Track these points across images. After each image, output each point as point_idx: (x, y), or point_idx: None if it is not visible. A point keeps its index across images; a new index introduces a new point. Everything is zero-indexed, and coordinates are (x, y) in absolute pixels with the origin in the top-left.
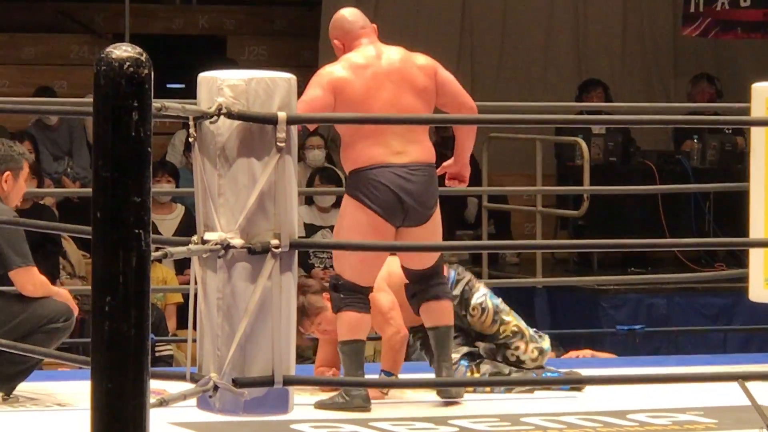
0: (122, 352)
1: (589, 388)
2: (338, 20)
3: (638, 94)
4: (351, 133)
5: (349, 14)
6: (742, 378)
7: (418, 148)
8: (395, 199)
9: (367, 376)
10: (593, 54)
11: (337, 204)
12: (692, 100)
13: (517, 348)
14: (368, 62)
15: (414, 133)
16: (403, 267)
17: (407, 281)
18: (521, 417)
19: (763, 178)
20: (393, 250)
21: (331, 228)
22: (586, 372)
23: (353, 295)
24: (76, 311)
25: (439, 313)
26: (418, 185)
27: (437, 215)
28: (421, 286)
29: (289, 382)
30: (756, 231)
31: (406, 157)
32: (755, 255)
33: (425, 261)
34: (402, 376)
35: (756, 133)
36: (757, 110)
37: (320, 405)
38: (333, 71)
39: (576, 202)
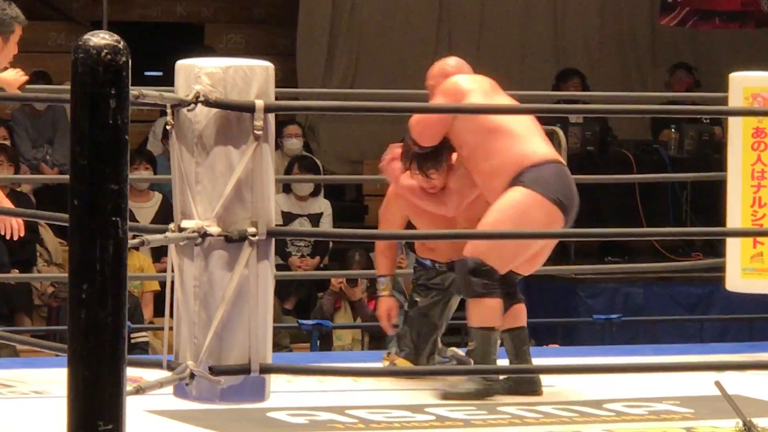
0: (99, 339)
1: (565, 378)
2: (440, 66)
3: (615, 84)
4: (506, 131)
5: (453, 61)
6: (718, 368)
7: None
8: (574, 197)
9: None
10: (570, 43)
11: (315, 192)
12: (670, 90)
13: None
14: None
15: None
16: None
17: None
18: (498, 406)
19: (740, 167)
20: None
21: (309, 216)
22: (561, 361)
23: (495, 282)
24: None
25: (521, 315)
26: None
27: None
28: (511, 289)
29: (265, 370)
30: (733, 220)
31: (558, 155)
32: (732, 244)
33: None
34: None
35: (733, 123)
36: (734, 100)
37: (453, 395)
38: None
39: None
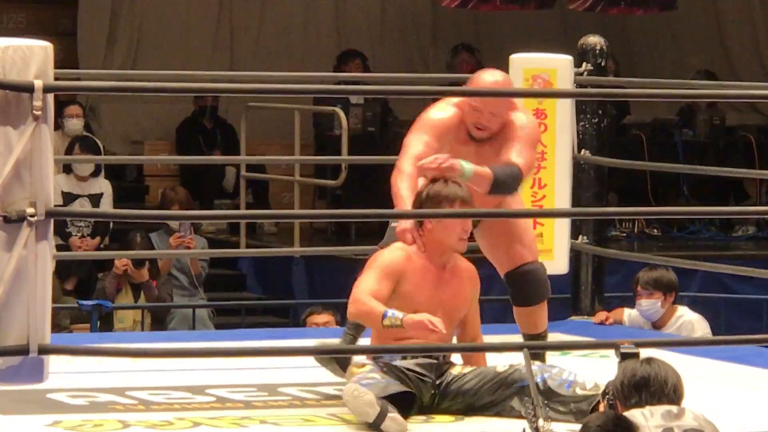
0: None
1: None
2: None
3: (397, 65)
4: None
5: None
6: (499, 349)
7: None
8: None
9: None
10: (352, 25)
11: (95, 173)
12: (453, 71)
13: None
14: None
15: None
16: None
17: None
18: (279, 387)
19: None
20: None
21: (89, 196)
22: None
23: None
24: None
25: None
26: None
27: None
28: None
29: (44, 350)
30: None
31: None
32: None
33: None
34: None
35: None
36: (514, 81)
37: None
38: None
39: (334, 171)
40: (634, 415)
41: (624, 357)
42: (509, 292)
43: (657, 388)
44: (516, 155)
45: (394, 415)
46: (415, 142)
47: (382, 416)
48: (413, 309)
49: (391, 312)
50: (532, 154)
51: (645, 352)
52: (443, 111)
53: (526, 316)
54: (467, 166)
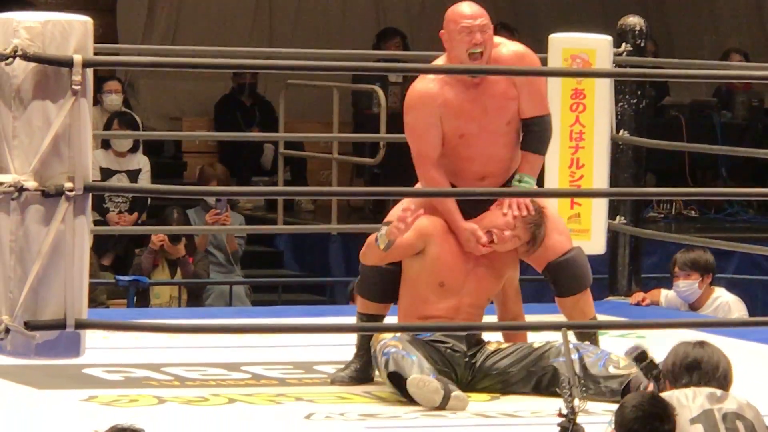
0: None
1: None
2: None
3: (436, 44)
4: None
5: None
6: (536, 328)
7: None
8: None
9: None
10: (391, 3)
11: (134, 148)
12: None
13: None
14: None
15: None
16: None
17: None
18: (314, 364)
19: (558, 128)
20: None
21: (127, 172)
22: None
23: None
24: None
25: None
26: None
27: None
28: None
29: (81, 325)
30: (551, 181)
31: None
32: (550, 205)
33: None
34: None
35: (552, 84)
36: (553, 61)
37: None
38: None
39: (372, 149)
40: (673, 396)
41: (637, 360)
42: (551, 283)
43: (708, 371)
44: (535, 106)
45: (456, 393)
46: (424, 139)
47: (446, 398)
48: (439, 279)
49: (379, 233)
50: (544, 91)
51: (681, 333)
52: (426, 81)
53: (572, 306)
54: (528, 184)
